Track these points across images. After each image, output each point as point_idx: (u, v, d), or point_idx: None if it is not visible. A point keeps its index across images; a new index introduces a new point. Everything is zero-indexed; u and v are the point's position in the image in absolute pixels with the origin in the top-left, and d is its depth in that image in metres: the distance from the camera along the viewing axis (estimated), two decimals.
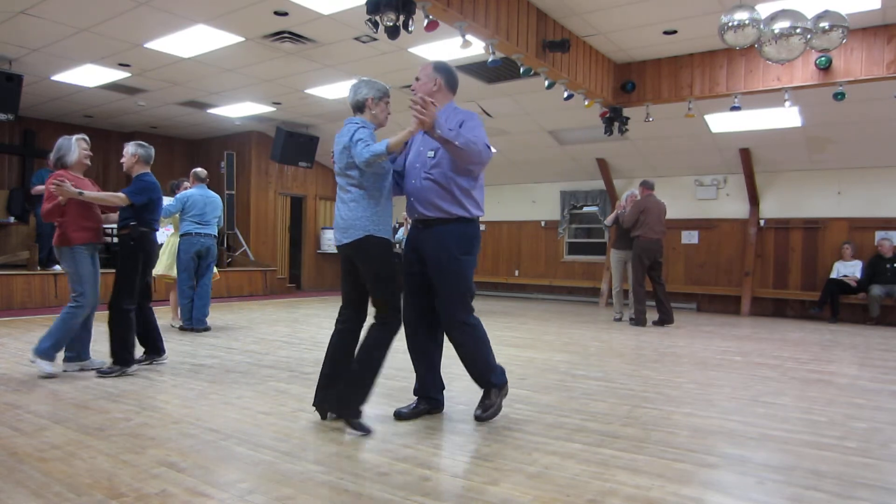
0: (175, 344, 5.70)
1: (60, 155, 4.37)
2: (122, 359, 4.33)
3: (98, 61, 7.87)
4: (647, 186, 8.21)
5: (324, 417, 3.24)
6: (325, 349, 3.29)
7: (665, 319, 7.86)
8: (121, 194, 4.38)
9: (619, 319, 8.33)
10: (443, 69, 3.33)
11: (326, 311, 8.99)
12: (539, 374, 4.62)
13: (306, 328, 7.02)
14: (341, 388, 3.09)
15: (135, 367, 4.44)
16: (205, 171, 6.81)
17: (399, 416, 3.32)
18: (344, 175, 3.08)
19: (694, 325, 8.10)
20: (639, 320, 7.84)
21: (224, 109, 10.43)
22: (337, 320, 3.29)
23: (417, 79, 3.33)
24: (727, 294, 10.15)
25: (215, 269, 6.82)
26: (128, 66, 8.03)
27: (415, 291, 3.33)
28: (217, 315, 7.06)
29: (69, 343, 4.37)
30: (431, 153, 3.20)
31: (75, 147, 4.39)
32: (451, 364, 4.96)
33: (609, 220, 8.61)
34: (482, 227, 13.11)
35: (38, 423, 3.13)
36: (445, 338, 3.42)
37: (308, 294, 12.18)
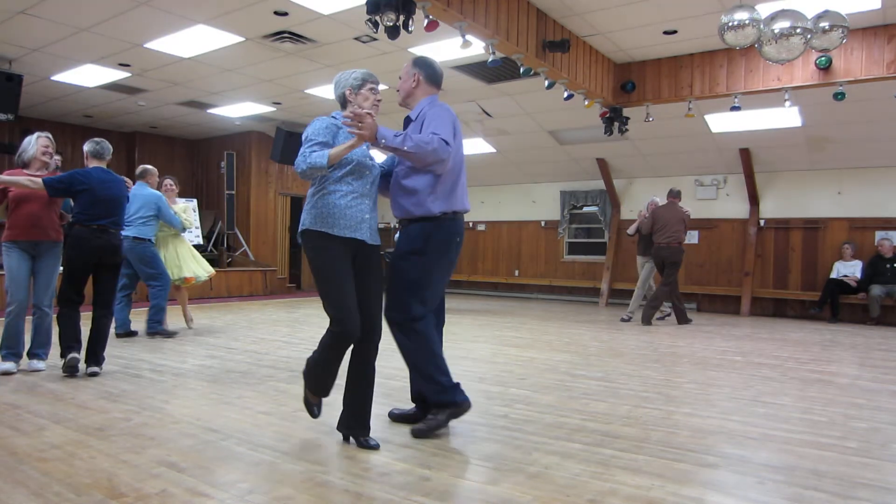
0: (175, 344, 5.71)
1: (20, 152, 4.41)
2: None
3: (98, 61, 7.87)
4: (670, 195, 8.33)
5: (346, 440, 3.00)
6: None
7: (645, 316, 8.01)
8: (37, 179, 4.15)
9: (628, 320, 8.37)
10: (422, 64, 3.24)
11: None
12: (539, 374, 4.62)
13: (306, 328, 7.02)
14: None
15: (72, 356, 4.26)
16: (144, 167, 6.25)
17: (391, 416, 3.32)
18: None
19: (694, 325, 8.10)
20: (680, 318, 8.08)
21: (224, 109, 10.43)
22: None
23: (400, 77, 3.27)
24: (727, 294, 10.15)
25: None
26: (128, 66, 8.04)
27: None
28: (217, 315, 7.07)
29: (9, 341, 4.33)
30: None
31: (34, 143, 4.40)
32: (450, 364, 4.97)
33: (631, 229, 8.70)
34: (482, 227, 13.18)
35: (38, 423, 3.13)
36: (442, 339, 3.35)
37: (308, 294, 12.18)
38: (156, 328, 5.99)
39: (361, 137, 2.68)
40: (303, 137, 2.82)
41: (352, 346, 2.87)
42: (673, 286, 8.01)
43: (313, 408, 3.01)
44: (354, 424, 2.90)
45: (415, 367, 3.10)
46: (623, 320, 8.33)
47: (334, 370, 2.90)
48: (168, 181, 6.58)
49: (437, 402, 3.06)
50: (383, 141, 2.78)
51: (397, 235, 3.28)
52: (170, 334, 6.03)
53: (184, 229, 6.42)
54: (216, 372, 4.49)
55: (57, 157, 9.38)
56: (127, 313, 6.03)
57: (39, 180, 4.11)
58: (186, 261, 6.45)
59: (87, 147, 4.54)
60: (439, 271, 3.11)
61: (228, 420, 3.25)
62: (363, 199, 2.88)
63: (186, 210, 6.67)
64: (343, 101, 2.99)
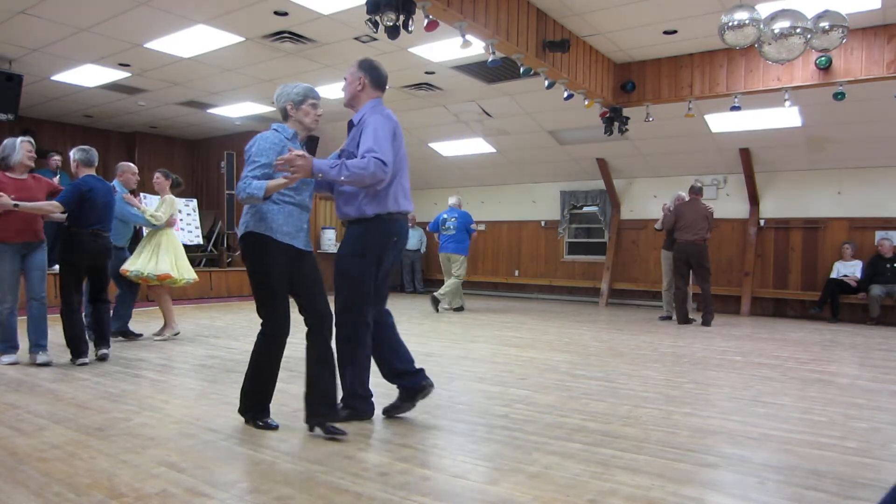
0: (175, 344, 5.71)
1: (4, 156, 4.49)
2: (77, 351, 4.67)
3: (98, 61, 7.87)
4: (693, 191, 8.42)
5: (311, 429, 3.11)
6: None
7: (704, 320, 8.02)
8: (56, 202, 4.50)
9: (668, 318, 8.56)
10: (367, 67, 3.25)
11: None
12: (539, 374, 4.62)
13: (306, 328, 7.00)
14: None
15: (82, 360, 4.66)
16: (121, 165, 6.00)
17: (386, 412, 3.36)
18: None
19: (694, 325, 8.09)
20: (680, 318, 8.15)
21: (224, 109, 10.43)
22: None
23: (345, 78, 3.29)
24: (727, 294, 10.14)
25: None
26: (128, 66, 8.04)
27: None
28: (217, 315, 7.06)
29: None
30: (337, 152, 3.25)
31: (19, 148, 4.50)
32: (450, 364, 4.97)
33: (658, 224, 8.86)
34: (481, 227, 13.13)
35: (38, 423, 3.13)
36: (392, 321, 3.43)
37: None
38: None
39: (294, 179, 2.86)
40: (246, 155, 2.96)
41: (307, 340, 3.13)
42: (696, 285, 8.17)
43: (269, 423, 3.11)
44: (320, 412, 2.99)
45: (343, 372, 3.20)
46: (662, 319, 8.56)
47: (275, 372, 3.17)
48: (156, 175, 6.12)
49: (343, 401, 3.23)
50: (320, 175, 2.94)
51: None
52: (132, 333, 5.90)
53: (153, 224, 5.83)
54: (216, 372, 4.49)
55: (57, 158, 9.39)
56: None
57: (57, 203, 4.47)
58: (167, 256, 5.84)
59: (78, 156, 4.78)
60: (379, 271, 3.23)
61: (228, 420, 3.25)
62: (302, 211, 3.10)
63: (160, 206, 5.94)
64: (284, 115, 3.10)
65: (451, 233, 9.13)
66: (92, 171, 4.80)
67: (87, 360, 4.64)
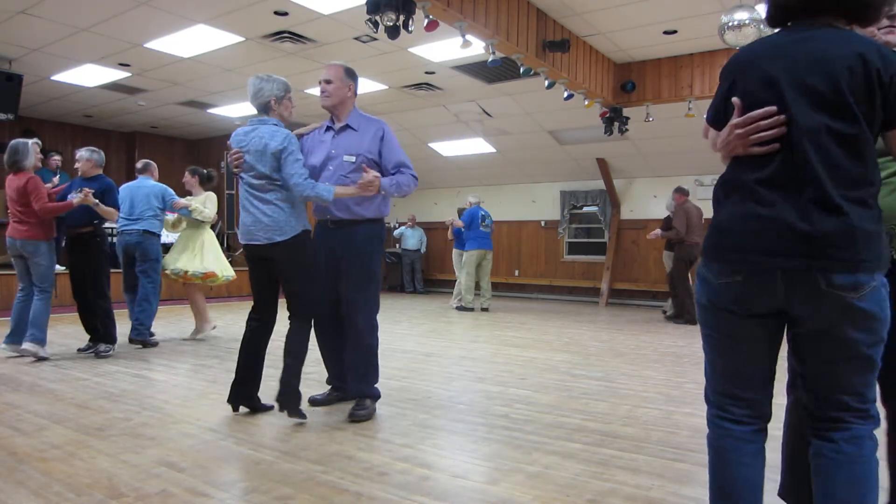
0: (175, 344, 5.71)
1: (16, 159, 4.59)
2: (108, 336, 4.97)
3: (98, 61, 7.87)
4: (682, 193, 8.35)
5: (236, 410, 3.36)
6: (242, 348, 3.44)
7: (689, 319, 8.05)
8: (113, 210, 4.92)
9: (668, 314, 8.65)
10: (354, 76, 3.41)
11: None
12: (539, 374, 4.62)
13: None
14: (285, 380, 3.19)
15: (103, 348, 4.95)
16: (145, 161, 6.00)
17: (314, 402, 3.56)
18: (265, 178, 3.13)
19: (694, 325, 8.10)
20: (681, 316, 8.17)
21: (224, 109, 10.43)
22: (251, 318, 3.46)
23: (329, 81, 3.31)
24: None
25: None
26: (128, 66, 8.04)
27: (328, 286, 3.42)
28: (217, 315, 7.05)
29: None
30: (351, 158, 3.29)
31: (32, 152, 4.65)
32: (450, 364, 4.98)
33: (657, 231, 8.53)
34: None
35: (38, 423, 3.13)
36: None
37: None
38: (143, 335, 5.46)
39: (367, 193, 3.18)
40: (286, 148, 3.09)
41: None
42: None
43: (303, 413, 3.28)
44: (291, 399, 3.17)
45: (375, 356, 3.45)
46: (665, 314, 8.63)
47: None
48: (185, 174, 6.02)
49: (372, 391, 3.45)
50: (384, 192, 3.24)
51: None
52: (153, 344, 5.50)
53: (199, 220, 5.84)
54: (216, 372, 4.49)
55: (57, 158, 9.38)
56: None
57: (115, 210, 4.95)
58: (210, 254, 5.84)
59: (96, 157, 5.03)
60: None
61: (228, 420, 3.25)
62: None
63: (206, 201, 5.91)
64: (266, 108, 3.21)
65: (488, 230, 9.29)
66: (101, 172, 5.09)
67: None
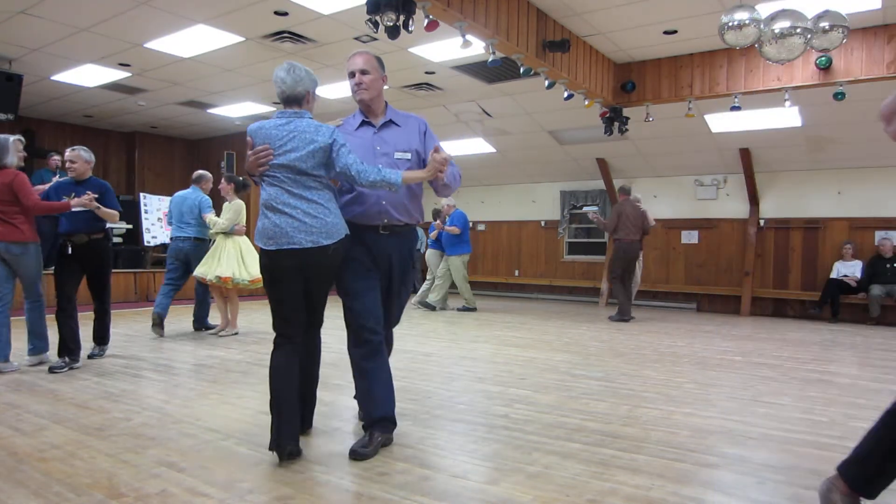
0: (175, 344, 5.71)
1: None
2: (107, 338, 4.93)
3: (98, 61, 7.87)
4: (622, 192, 8.66)
5: (283, 459, 2.63)
6: (276, 378, 2.70)
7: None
8: (114, 212, 4.76)
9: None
10: (383, 65, 3.05)
11: (325, 311, 8.97)
12: (539, 374, 4.61)
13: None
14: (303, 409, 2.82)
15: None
16: (199, 173, 6.60)
17: (357, 455, 2.72)
18: (307, 174, 2.72)
19: (694, 325, 8.10)
20: (622, 315, 8.37)
21: (224, 109, 10.43)
22: (282, 342, 2.75)
23: (365, 71, 2.91)
24: (727, 294, 10.15)
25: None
26: (128, 66, 8.04)
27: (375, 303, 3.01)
28: (217, 315, 7.04)
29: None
30: (406, 154, 2.96)
31: (13, 149, 4.40)
32: (450, 364, 4.97)
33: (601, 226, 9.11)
34: (482, 227, 13.17)
35: (38, 423, 3.13)
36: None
37: None
38: (204, 323, 6.62)
39: (436, 178, 2.85)
40: (336, 140, 2.73)
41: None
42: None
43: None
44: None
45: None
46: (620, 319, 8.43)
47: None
48: (221, 182, 6.57)
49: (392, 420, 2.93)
50: (444, 179, 2.89)
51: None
52: (211, 328, 6.58)
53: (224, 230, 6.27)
54: (216, 372, 4.49)
55: (56, 158, 9.38)
56: (170, 301, 6.30)
57: (116, 212, 4.77)
58: (229, 259, 6.13)
59: (91, 157, 4.90)
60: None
61: (228, 420, 3.25)
62: None
63: (227, 210, 6.37)
64: (299, 100, 2.84)
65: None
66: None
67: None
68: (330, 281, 2.84)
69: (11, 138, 4.44)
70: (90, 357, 4.86)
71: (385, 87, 3.05)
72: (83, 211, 4.56)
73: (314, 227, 2.69)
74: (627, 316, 8.29)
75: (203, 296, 6.56)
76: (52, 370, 4.37)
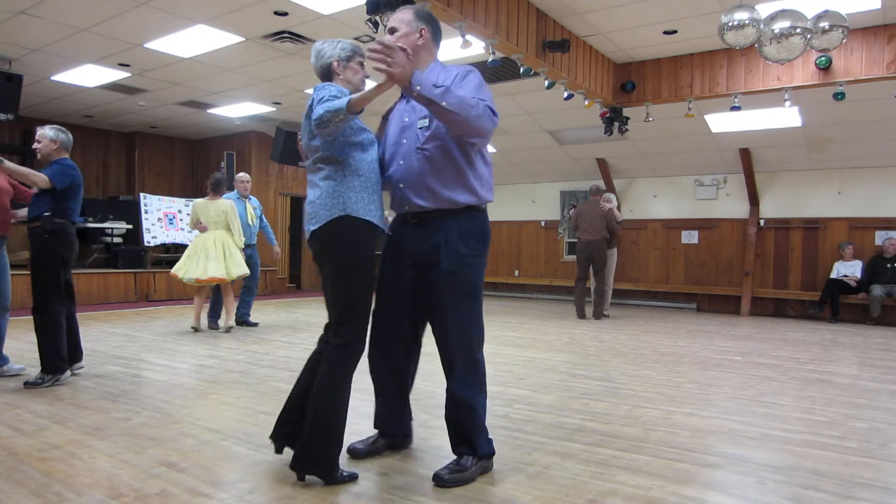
0: (175, 344, 5.71)
1: None
2: (53, 366, 3.87)
3: (98, 61, 7.87)
4: (591, 192, 8.80)
5: (279, 451, 2.60)
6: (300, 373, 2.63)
7: (595, 314, 8.57)
8: (42, 174, 3.84)
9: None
10: (427, 17, 2.54)
11: (326, 311, 8.97)
12: (539, 374, 4.61)
13: (306, 328, 7.02)
14: (307, 440, 2.36)
15: (68, 373, 4.01)
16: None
17: (355, 453, 2.66)
18: (310, 149, 2.45)
19: (694, 325, 8.10)
20: (578, 313, 8.62)
21: (224, 109, 10.42)
22: (321, 339, 2.58)
23: (394, 29, 2.51)
24: (727, 294, 10.15)
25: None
26: (128, 66, 8.03)
27: (397, 306, 2.61)
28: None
29: None
30: (425, 121, 2.45)
31: None
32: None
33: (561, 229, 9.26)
34: None
35: (38, 423, 3.13)
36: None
37: (308, 294, 12.18)
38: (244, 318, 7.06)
39: (392, 75, 2.14)
40: (315, 96, 2.35)
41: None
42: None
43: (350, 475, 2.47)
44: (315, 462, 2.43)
45: (475, 412, 2.59)
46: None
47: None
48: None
49: (484, 453, 2.58)
50: (418, 87, 2.17)
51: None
52: (252, 324, 7.01)
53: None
54: (216, 372, 4.49)
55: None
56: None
57: (43, 175, 3.86)
58: (209, 260, 6.17)
59: (61, 136, 4.07)
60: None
61: (228, 420, 3.25)
62: (375, 181, 2.51)
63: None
64: (328, 74, 2.53)
65: None
66: (67, 156, 4.14)
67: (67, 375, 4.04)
68: (335, 272, 2.42)
69: None
70: (26, 385, 3.86)
71: (421, 39, 2.51)
72: (36, 195, 3.99)
73: (309, 212, 2.47)
74: (581, 314, 8.49)
75: (243, 294, 7.08)
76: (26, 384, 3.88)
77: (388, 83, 2.20)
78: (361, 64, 2.58)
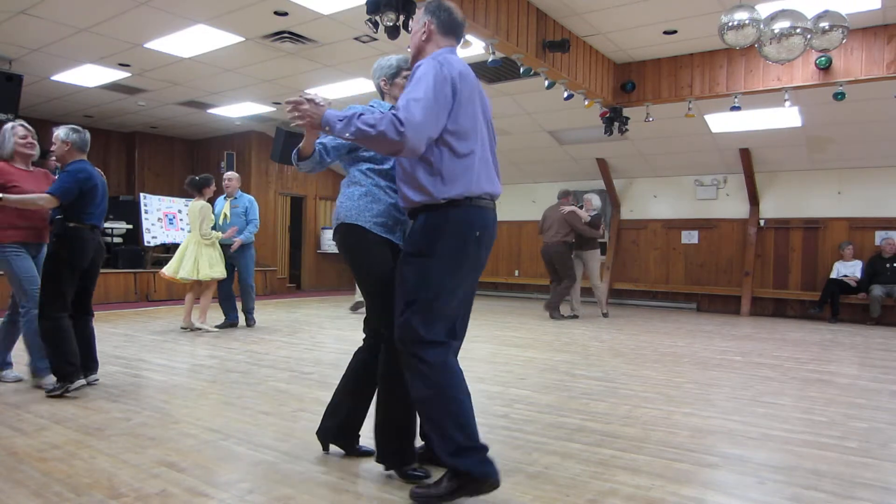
0: (175, 344, 5.71)
1: None
2: (61, 373, 3.71)
3: (98, 61, 7.87)
4: (560, 195, 8.87)
5: (326, 449, 2.75)
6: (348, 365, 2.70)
7: (552, 313, 8.53)
8: (46, 195, 3.74)
9: (575, 317, 8.62)
10: (435, 9, 2.43)
11: (326, 311, 8.99)
12: (539, 374, 4.61)
13: (306, 328, 7.02)
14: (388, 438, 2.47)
15: (81, 381, 3.79)
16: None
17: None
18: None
19: (694, 325, 8.10)
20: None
21: (224, 109, 10.43)
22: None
23: (410, 30, 2.68)
24: (727, 294, 10.15)
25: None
26: (128, 66, 8.04)
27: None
28: (217, 315, 7.05)
29: None
30: None
31: (9, 137, 3.87)
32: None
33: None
34: None
35: (38, 423, 3.13)
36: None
37: (308, 294, 12.18)
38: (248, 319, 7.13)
39: (306, 126, 2.26)
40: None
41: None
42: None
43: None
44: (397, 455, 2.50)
45: (431, 418, 2.28)
46: (568, 317, 8.52)
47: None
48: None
49: (447, 464, 2.24)
50: (326, 128, 2.23)
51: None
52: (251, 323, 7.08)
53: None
54: (216, 372, 4.49)
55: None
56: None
57: (47, 195, 3.73)
58: (183, 259, 6.40)
59: (72, 136, 3.93)
60: (453, 276, 2.31)
61: (228, 420, 3.25)
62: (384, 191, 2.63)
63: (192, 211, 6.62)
64: (380, 91, 2.74)
65: None
66: (84, 157, 3.99)
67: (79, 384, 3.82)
68: (355, 270, 2.57)
69: (9, 125, 3.95)
70: (47, 394, 3.73)
71: (424, 34, 2.44)
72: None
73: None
74: (556, 313, 8.44)
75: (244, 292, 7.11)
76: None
77: (310, 135, 2.47)
78: (406, 77, 2.65)
